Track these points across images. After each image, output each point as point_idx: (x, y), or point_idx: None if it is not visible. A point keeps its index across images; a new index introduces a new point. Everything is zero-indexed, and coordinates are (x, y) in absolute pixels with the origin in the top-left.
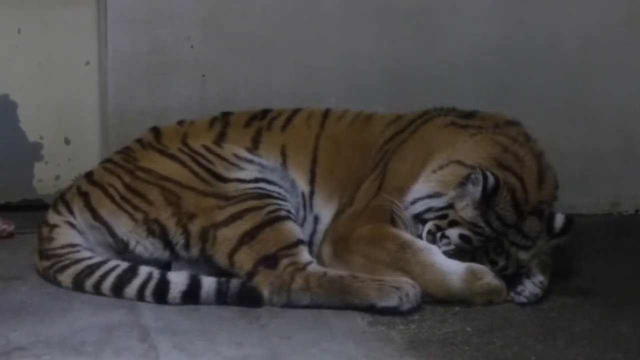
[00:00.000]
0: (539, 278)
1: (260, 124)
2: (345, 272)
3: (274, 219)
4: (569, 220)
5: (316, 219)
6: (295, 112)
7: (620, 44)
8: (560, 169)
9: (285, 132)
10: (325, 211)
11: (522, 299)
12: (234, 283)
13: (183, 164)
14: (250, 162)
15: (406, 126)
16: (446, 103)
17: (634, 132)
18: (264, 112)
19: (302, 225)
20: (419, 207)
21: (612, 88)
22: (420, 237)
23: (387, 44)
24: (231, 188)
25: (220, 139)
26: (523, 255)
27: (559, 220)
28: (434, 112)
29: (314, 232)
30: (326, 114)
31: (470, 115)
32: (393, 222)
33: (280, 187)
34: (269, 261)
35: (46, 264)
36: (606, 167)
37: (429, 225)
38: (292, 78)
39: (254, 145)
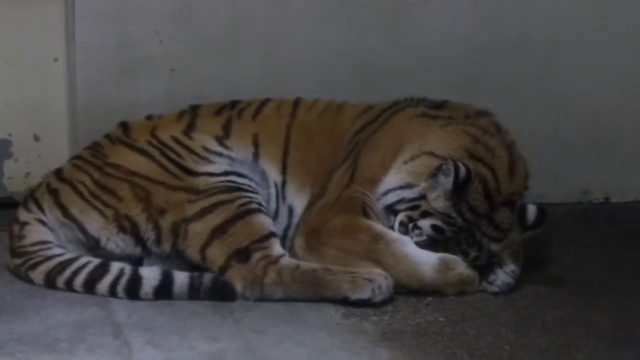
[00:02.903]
0: (511, 267)
1: (230, 113)
2: (318, 264)
3: (245, 212)
4: (542, 212)
5: (290, 210)
6: (265, 102)
7: (589, 32)
8: (531, 159)
9: (256, 121)
10: (298, 201)
11: (495, 289)
12: (207, 278)
13: (152, 158)
14: (220, 155)
15: (377, 116)
16: (416, 94)
17: (603, 121)
18: (234, 103)
19: (275, 217)
20: (391, 198)
21: (581, 77)
22: (392, 228)
23: (356, 35)
24: (201, 182)
25: (189, 129)
26: (495, 247)
27: (532, 212)
28: (404, 103)
29: (288, 225)
30: (297, 103)
31: (440, 105)
32: (365, 214)
33: (251, 179)
34: (241, 255)
35: (18, 261)
36: (576, 156)
37: (401, 216)
38: (261, 71)
39: (225, 133)
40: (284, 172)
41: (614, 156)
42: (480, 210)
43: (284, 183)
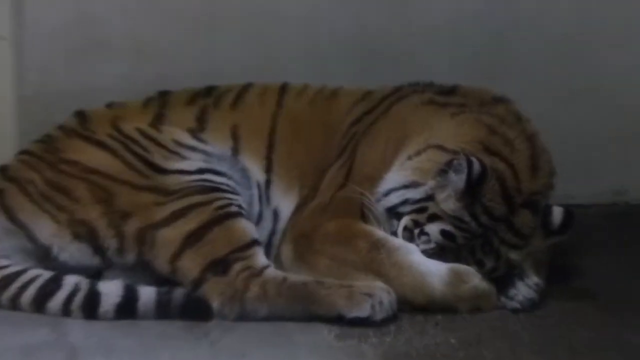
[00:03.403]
0: (534, 280)
1: (206, 101)
2: (309, 277)
3: (223, 216)
4: (569, 214)
5: (275, 214)
6: (247, 87)
7: (621, 8)
8: (557, 153)
9: (236, 110)
10: (285, 204)
11: (515, 305)
12: (178, 293)
13: (114, 153)
14: (194, 149)
15: (377, 105)
16: (422, 79)
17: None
18: (209, 89)
19: (258, 221)
20: (394, 199)
21: (614, 60)
22: (395, 234)
23: (352, 10)
24: (172, 181)
25: (157, 120)
26: (514, 255)
27: (557, 214)
28: (408, 89)
29: (273, 231)
30: (283, 89)
31: (451, 91)
32: (363, 217)
33: (230, 178)
34: (219, 266)
35: None
36: (609, 151)
37: (405, 220)
38: (242, 52)
39: (199, 126)
40: (268, 169)
41: None
42: (497, 213)
43: (268, 182)
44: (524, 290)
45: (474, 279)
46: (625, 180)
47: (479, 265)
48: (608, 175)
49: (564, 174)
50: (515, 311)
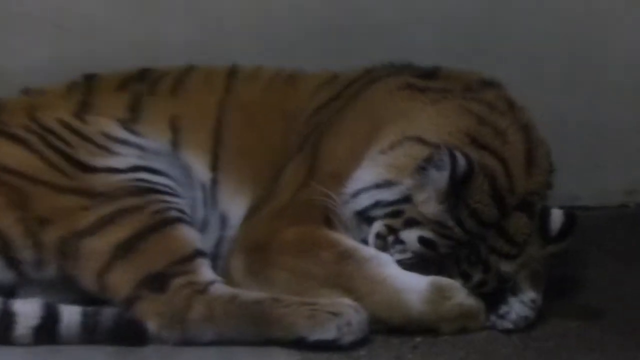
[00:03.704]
0: (530, 295)
1: (139, 87)
2: (264, 293)
3: (161, 223)
4: (571, 218)
5: (223, 220)
6: (188, 70)
7: None
8: (557, 147)
9: (176, 97)
10: (235, 207)
11: (508, 324)
12: (107, 314)
13: (31, 148)
14: (126, 143)
15: (344, 89)
16: (398, 59)
17: None
18: (144, 72)
19: (202, 229)
20: (364, 201)
21: (625, 40)
22: (365, 242)
23: None
24: (99, 181)
25: (82, 109)
26: (507, 267)
27: (557, 218)
28: (381, 71)
29: (220, 240)
30: (232, 72)
31: (431, 74)
32: (328, 223)
33: (169, 177)
34: (155, 282)
35: None
36: (618, 145)
37: (377, 226)
38: (184, 28)
39: (132, 116)
40: (215, 166)
41: None
42: (486, 217)
43: (214, 182)
44: (517, 307)
45: (459, 294)
46: (637, 177)
47: (465, 278)
48: (618, 172)
49: (566, 170)
50: (507, 332)
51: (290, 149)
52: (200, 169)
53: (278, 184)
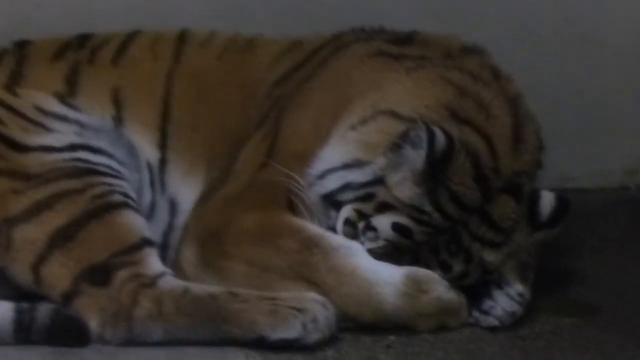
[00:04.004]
0: (517, 288)
1: (78, 55)
2: (219, 287)
3: (103, 208)
4: (563, 202)
5: (172, 205)
6: (133, 36)
7: None
8: (549, 123)
9: (118, 67)
10: (186, 191)
11: (493, 321)
12: (43, 310)
13: None
14: (63, 119)
15: (308, 58)
16: (369, 22)
17: None
18: (83, 39)
19: (150, 215)
20: (331, 183)
21: (623, 8)
22: (333, 229)
23: None
24: (33, 161)
25: (13, 81)
26: (491, 256)
27: (547, 201)
28: (350, 36)
29: (170, 227)
30: (183, 38)
31: (407, 39)
32: (291, 208)
33: (111, 156)
34: (97, 274)
35: None
36: (617, 119)
37: (346, 211)
38: None
39: (70, 89)
40: (163, 145)
41: None
42: (468, 200)
43: (163, 162)
44: (503, 302)
45: (438, 287)
46: (638, 156)
47: (445, 269)
48: (617, 149)
49: (559, 148)
50: (492, 330)
51: (248, 125)
52: (147, 148)
53: (235, 164)
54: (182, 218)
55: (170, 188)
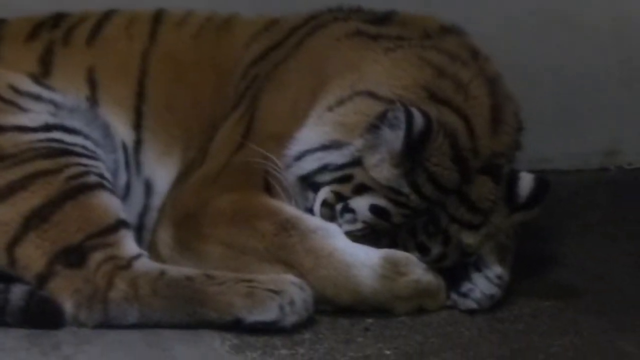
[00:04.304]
0: (496, 271)
1: (52, 35)
2: (195, 269)
3: (78, 189)
4: (542, 183)
5: (148, 186)
6: (108, 16)
7: None
8: (528, 104)
9: (93, 47)
10: (162, 172)
11: (471, 304)
12: (17, 292)
13: None
14: (37, 98)
15: (285, 38)
16: (346, 2)
17: (636, 47)
18: (57, 18)
19: (126, 196)
20: (309, 164)
21: None
22: (311, 211)
23: None
24: (7, 141)
25: None
26: (469, 238)
27: (526, 183)
28: (328, 16)
29: (145, 210)
30: (158, 18)
31: (385, 19)
32: (268, 189)
33: (87, 137)
34: (72, 256)
35: None
36: (596, 100)
37: (324, 193)
38: None
39: (44, 69)
40: (138, 125)
41: None
42: (446, 181)
43: (138, 143)
44: (482, 284)
45: (416, 270)
46: (619, 138)
47: (423, 251)
48: (597, 130)
49: (538, 129)
50: (470, 312)
51: (225, 106)
52: (122, 128)
53: (211, 145)
54: (157, 199)
55: (146, 169)
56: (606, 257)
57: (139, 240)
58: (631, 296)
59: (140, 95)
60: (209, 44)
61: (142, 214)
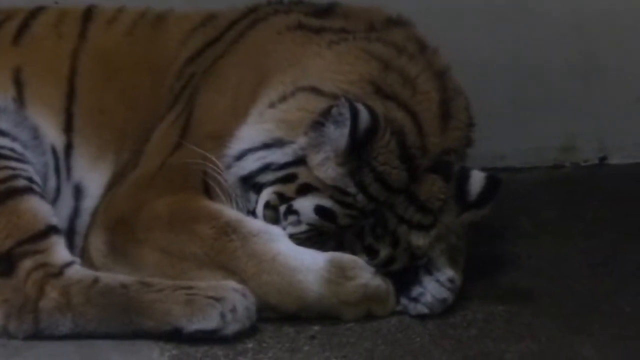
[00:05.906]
0: (447, 274)
1: None
2: (131, 276)
3: (6, 194)
4: (493, 181)
5: (78, 191)
6: (36, 12)
7: None
8: (480, 99)
9: (20, 46)
10: (93, 176)
11: (422, 309)
12: None
13: None
14: None
15: (223, 32)
16: None
17: (595, 40)
18: None
19: (55, 200)
20: (250, 164)
21: None
22: (253, 213)
23: None
24: None
25: None
26: (419, 240)
27: (477, 181)
28: (268, 8)
29: (75, 213)
30: (88, 15)
31: (327, 11)
32: (207, 192)
33: (14, 139)
34: (1, 264)
35: None
36: (551, 93)
37: (266, 194)
38: None
39: None
40: (68, 128)
41: (613, 95)
42: (394, 180)
43: (69, 146)
44: (433, 288)
45: (363, 274)
46: (574, 132)
47: (370, 254)
48: (551, 125)
49: (490, 125)
50: (421, 318)
51: (160, 106)
52: (51, 131)
53: (146, 147)
54: (89, 202)
55: (77, 174)
56: (561, 257)
57: (71, 246)
58: (587, 298)
59: (70, 97)
60: (142, 41)
61: (73, 218)
